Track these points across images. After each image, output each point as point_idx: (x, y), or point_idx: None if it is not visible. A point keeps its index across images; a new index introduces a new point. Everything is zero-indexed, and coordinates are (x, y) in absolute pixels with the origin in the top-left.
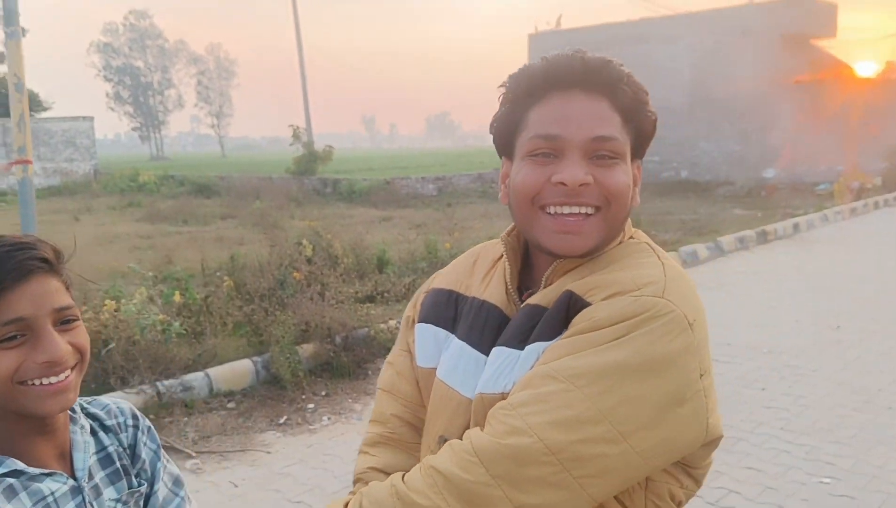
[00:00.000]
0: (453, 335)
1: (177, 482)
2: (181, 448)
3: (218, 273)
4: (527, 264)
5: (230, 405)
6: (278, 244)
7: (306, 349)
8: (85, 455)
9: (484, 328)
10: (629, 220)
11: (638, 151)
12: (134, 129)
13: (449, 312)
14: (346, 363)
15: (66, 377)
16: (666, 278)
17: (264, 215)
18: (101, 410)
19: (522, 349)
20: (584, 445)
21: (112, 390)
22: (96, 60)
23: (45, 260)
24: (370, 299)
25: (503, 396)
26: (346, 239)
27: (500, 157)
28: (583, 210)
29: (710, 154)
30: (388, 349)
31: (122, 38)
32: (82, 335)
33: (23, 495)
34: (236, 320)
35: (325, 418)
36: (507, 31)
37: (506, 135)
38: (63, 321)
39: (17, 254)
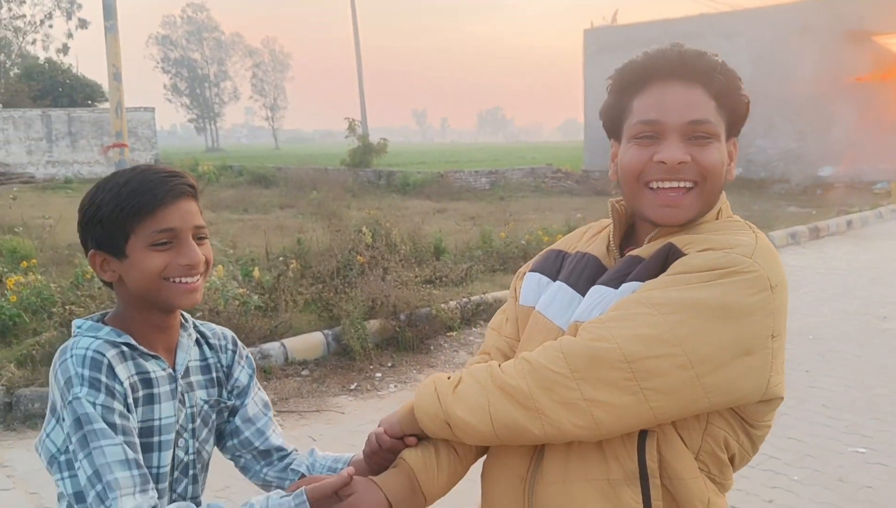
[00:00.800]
0: (553, 281)
1: (266, 405)
2: None
3: (281, 258)
4: (629, 230)
5: (304, 372)
6: (341, 230)
7: (373, 325)
8: (186, 356)
9: (582, 272)
10: (727, 202)
11: (733, 130)
12: (190, 120)
13: (555, 265)
14: (410, 338)
15: (197, 281)
16: (757, 245)
17: (322, 204)
18: (209, 331)
19: (618, 287)
20: (657, 361)
21: None
22: (154, 52)
23: (192, 186)
24: (429, 282)
25: None
26: (403, 228)
27: (610, 139)
28: (682, 185)
29: (766, 151)
30: (450, 327)
31: (179, 31)
32: (209, 250)
33: (129, 363)
34: (306, 298)
35: (391, 386)
36: (561, 26)
37: (614, 121)
38: (198, 236)
39: (172, 180)
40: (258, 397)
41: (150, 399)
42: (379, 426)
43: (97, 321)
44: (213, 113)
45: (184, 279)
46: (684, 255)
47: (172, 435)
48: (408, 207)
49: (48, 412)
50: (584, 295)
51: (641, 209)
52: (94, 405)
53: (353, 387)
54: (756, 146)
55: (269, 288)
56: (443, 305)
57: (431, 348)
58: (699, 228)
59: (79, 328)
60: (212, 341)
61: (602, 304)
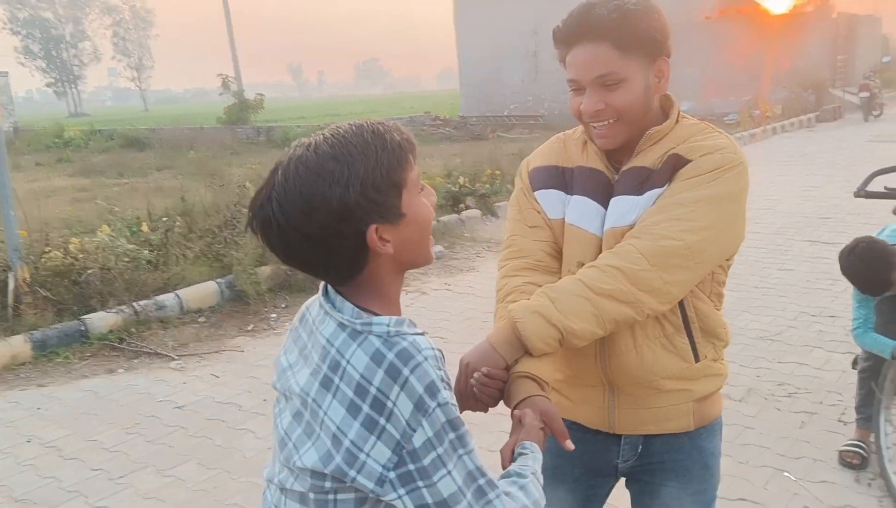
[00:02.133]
0: (570, 194)
1: None
2: (165, 352)
3: (164, 219)
4: None
5: (201, 319)
6: (224, 185)
7: (264, 271)
8: None
9: (596, 186)
10: (677, 105)
11: (656, 53)
12: (48, 84)
13: (559, 179)
14: (301, 281)
15: None
16: (732, 143)
17: (201, 164)
18: None
19: (641, 194)
20: (703, 242)
21: (94, 310)
22: (0, 12)
23: None
24: None
25: (631, 226)
26: None
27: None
28: (605, 123)
29: None
30: None
31: None
32: None
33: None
34: (195, 252)
35: (287, 324)
36: None
37: (564, 68)
38: None
39: (399, 127)
40: None
41: None
42: (474, 370)
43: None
44: (73, 76)
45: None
46: (688, 161)
47: None
48: None
49: (350, 430)
50: (602, 204)
51: (590, 137)
52: (456, 407)
53: (249, 328)
54: None
55: (157, 244)
56: None
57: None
58: (677, 135)
59: (387, 325)
60: None
61: (630, 210)
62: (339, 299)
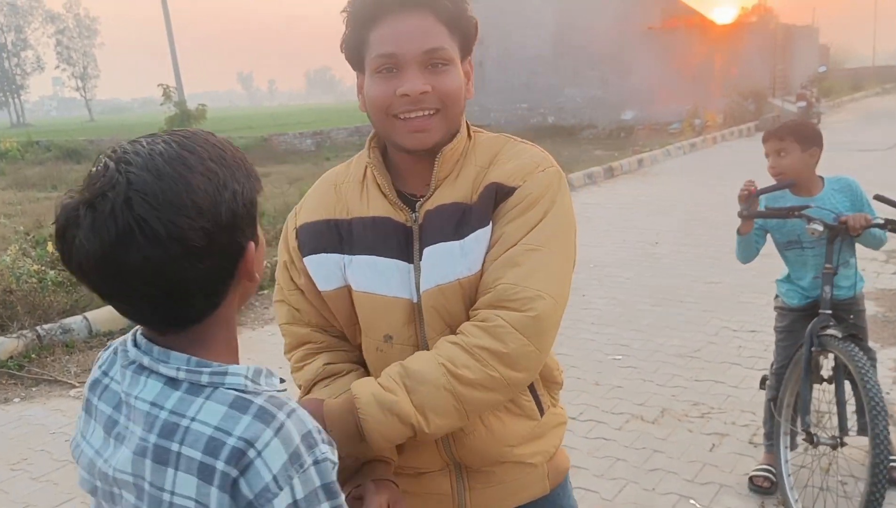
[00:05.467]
0: (351, 256)
1: None
2: (66, 380)
3: None
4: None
5: (110, 342)
6: None
7: None
8: None
9: (388, 238)
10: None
11: (466, 51)
12: None
13: (334, 238)
14: None
15: None
16: (541, 151)
17: None
18: None
19: (462, 239)
20: (566, 283)
21: None
22: None
23: None
24: None
25: (462, 281)
26: None
27: (354, 71)
28: (426, 113)
29: (574, 99)
30: (261, 286)
31: None
32: None
33: None
34: None
35: None
36: None
37: (354, 53)
38: None
39: None
40: None
41: None
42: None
43: None
44: (14, 85)
45: None
46: (514, 188)
47: None
48: None
49: (211, 500)
50: (403, 258)
51: (394, 139)
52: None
53: None
54: (565, 95)
55: None
56: (265, 262)
57: (242, 306)
58: (481, 153)
59: (244, 375)
60: None
61: (453, 260)
62: (158, 349)
